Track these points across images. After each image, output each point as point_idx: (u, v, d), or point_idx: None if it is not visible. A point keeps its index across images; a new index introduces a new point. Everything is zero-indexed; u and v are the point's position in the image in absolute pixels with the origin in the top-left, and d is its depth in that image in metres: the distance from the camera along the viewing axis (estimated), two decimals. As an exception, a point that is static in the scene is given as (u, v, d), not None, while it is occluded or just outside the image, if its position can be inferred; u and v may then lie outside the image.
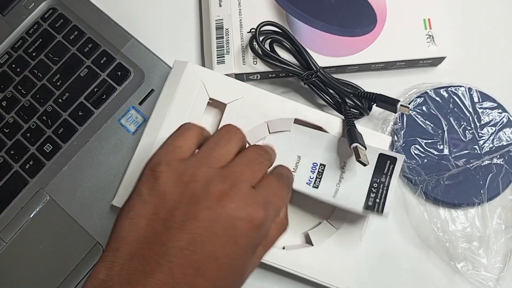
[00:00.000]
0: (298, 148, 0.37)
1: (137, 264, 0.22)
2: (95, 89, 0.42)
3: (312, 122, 0.38)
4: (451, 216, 0.39)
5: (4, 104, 0.43)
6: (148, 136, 0.37)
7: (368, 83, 0.41)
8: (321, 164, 0.36)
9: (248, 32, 0.42)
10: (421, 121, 0.41)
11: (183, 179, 0.24)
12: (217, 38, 0.42)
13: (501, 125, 0.40)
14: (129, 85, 0.42)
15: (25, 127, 0.42)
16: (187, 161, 0.26)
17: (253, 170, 0.26)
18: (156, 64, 0.43)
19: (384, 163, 0.34)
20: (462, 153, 0.40)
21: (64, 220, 0.40)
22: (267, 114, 0.38)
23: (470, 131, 0.40)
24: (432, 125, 0.41)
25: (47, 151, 0.41)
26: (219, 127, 0.29)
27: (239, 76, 0.42)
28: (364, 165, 0.33)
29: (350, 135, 0.35)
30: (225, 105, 0.38)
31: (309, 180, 0.35)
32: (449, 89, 0.41)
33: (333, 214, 0.38)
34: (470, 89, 0.41)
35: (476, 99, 0.41)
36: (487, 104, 0.41)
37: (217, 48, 0.42)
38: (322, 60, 0.41)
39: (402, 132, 0.40)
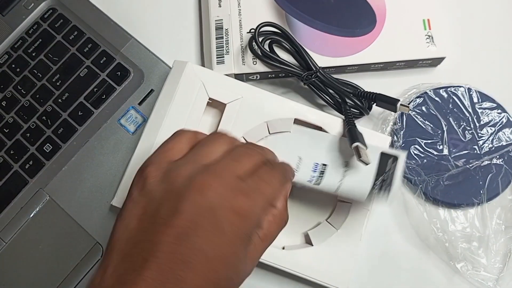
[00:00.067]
0: (299, 149, 0.37)
1: (128, 264, 0.22)
2: (95, 89, 0.42)
3: (312, 122, 0.38)
4: (450, 216, 0.39)
5: (4, 104, 0.43)
6: (147, 136, 0.37)
7: (368, 83, 0.41)
8: (323, 164, 0.36)
9: (247, 33, 0.42)
10: (420, 121, 0.41)
11: (169, 177, 0.25)
12: (216, 38, 0.42)
13: (501, 125, 0.40)
14: (128, 85, 0.42)
15: (25, 127, 0.42)
16: (175, 161, 0.26)
17: (240, 162, 0.26)
18: (156, 64, 0.43)
19: (386, 161, 0.34)
20: (461, 153, 0.40)
21: (63, 220, 0.40)
22: (267, 114, 0.38)
23: (470, 131, 0.40)
24: (431, 125, 0.41)
25: (47, 151, 0.41)
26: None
27: (239, 76, 0.42)
28: (366, 164, 0.33)
29: (351, 134, 0.35)
30: (224, 105, 0.38)
31: (311, 179, 0.35)
32: (448, 89, 0.41)
33: (332, 214, 0.38)
34: (469, 89, 0.41)
35: (475, 99, 0.41)
36: (487, 104, 0.41)
37: (216, 48, 0.42)
38: (321, 60, 0.41)
39: (402, 132, 0.40)
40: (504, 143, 0.40)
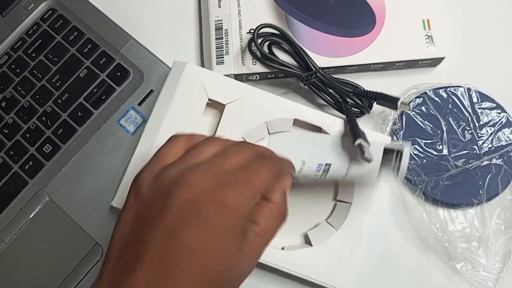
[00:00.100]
0: (302, 153, 0.37)
1: (122, 266, 0.23)
2: (95, 90, 0.42)
3: (311, 122, 0.38)
4: (450, 216, 0.39)
5: (3, 105, 0.43)
6: (147, 136, 0.37)
7: (367, 83, 0.41)
8: (326, 164, 0.36)
9: (247, 33, 0.42)
10: (420, 121, 0.41)
11: (159, 178, 0.25)
12: (216, 38, 0.42)
13: (500, 125, 0.40)
14: (128, 86, 0.43)
15: (25, 128, 0.42)
16: (168, 165, 0.26)
17: (229, 157, 0.26)
18: (156, 65, 0.43)
19: (391, 156, 0.35)
20: (461, 153, 0.40)
21: (63, 221, 0.40)
22: (266, 115, 0.38)
23: (469, 132, 0.40)
24: (431, 126, 0.41)
25: (47, 151, 0.41)
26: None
27: (238, 77, 0.42)
28: (369, 161, 0.34)
29: (353, 132, 0.35)
30: (224, 105, 0.38)
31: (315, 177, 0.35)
32: (448, 89, 0.41)
33: (332, 215, 0.38)
34: (469, 89, 0.41)
35: (475, 100, 0.41)
36: (486, 104, 0.41)
37: (216, 48, 0.42)
38: (321, 60, 0.41)
39: (402, 132, 0.40)
40: (503, 143, 0.40)
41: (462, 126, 0.41)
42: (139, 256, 0.22)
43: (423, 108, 0.41)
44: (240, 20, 0.42)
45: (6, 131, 0.42)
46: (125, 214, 0.25)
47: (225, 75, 0.40)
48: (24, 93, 0.43)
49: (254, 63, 0.41)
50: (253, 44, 0.40)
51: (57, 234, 0.40)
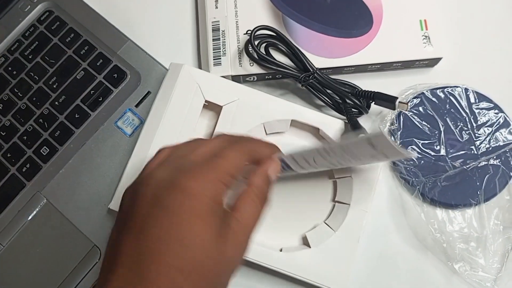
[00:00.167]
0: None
1: (106, 270, 0.23)
2: (92, 92, 0.42)
3: (309, 123, 0.38)
4: (448, 217, 0.39)
5: (0, 107, 0.43)
6: (144, 138, 0.37)
7: (365, 84, 0.41)
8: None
9: (244, 34, 0.42)
10: (417, 121, 0.41)
11: (134, 186, 0.26)
12: (213, 40, 0.42)
13: (498, 126, 0.40)
14: (125, 88, 0.42)
15: (22, 130, 0.42)
16: None
17: (195, 148, 0.26)
18: (153, 66, 0.43)
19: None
20: (459, 153, 0.40)
21: (61, 223, 0.40)
22: (264, 116, 0.38)
23: (467, 132, 0.40)
24: (428, 126, 0.41)
25: (44, 154, 0.41)
26: None
27: (236, 78, 0.42)
28: None
29: (356, 129, 0.36)
30: (221, 107, 0.38)
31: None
32: (445, 89, 0.41)
33: (330, 216, 0.38)
34: (466, 89, 0.41)
35: (472, 100, 0.41)
36: (484, 104, 0.41)
37: (213, 50, 0.42)
38: (318, 61, 0.41)
39: (399, 133, 0.40)
40: (501, 144, 0.40)
41: (460, 126, 0.40)
42: (117, 257, 0.22)
43: (420, 108, 0.41)
44: (237, 21, 0.42)
45: (3, 134, 0.42)
46: (112, 229, 0.26)
47: (222, 77, 0.40)
48: (21, 95, 0.43)
49: (252, 64, 0.41)
50: (250, 46, 0.40)
51: (55, 236, 0.39)
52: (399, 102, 0.37)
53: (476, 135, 0.40)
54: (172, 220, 0.23)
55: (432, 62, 0.43)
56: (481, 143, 0.40)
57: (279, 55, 0.41)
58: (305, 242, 0.37)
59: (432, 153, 0.40)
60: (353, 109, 0.40)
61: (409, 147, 0.40)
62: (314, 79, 0.39)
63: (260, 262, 0.35)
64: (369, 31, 0.42)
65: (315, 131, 0.39)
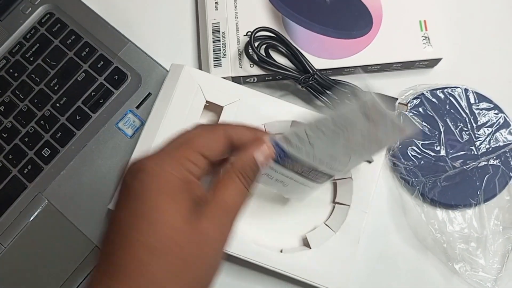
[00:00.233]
0: None
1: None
2: (93, 93, 0.42)
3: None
4: (448, 217, 0.39)
5: (2, 109, 0.43)
6: (145, 139, 0.37)
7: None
8: None
9: (244, 35, 0.42)
10: (417, 122, 0.41)
11: None
12: (213, 41, 0.42)
13: (498, 126, 0.40)
14: (126, 89, 0.43)
15: (23, 132, 0.42)
16: None
17: (173, 139, 0.25)
18: (153, 68, 0.43)
19: None
20: (458, 154, 0.40)
21: (62, 224, 0.40)
22: (264, 117, 0.38)
23: (467, 132, 0.40)
24: (428, 126, 0.41)
25: (45, 155, 0.41)
26: None
27: (236, 79, 0.42)
28: (369, 162, 0.34)
29: None
30: (222, 107, 0.38)
31: None
32: (445, 90, 0.41)
33: (330, 217, 0.38)
34: (466, 90, 0.41)
35: (472, 100, 0.41)
36: (484, 105, 0.41)
37: (213, 51, 0.42)
38: (318, 62, 0.41)
39: (399, 133, 0.40)
40: (501, 144, 0.40)
41: (460, 127, 0.41)
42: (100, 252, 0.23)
43: (420, 109, 0.41)
44: (237, 23, 0.42)
45: (4, 135, 0.42)
46: None
47: (223, 78, 0.40)
48: (22, 97, 0.43)
49: (252, 65, 0.41)
50: (249, 47, 0.40)
51: (56, 237, 0.40)
52: (399, 103, 0.37)
53: (476, 135, 0.40)
54: (138, 201, 0.22)
55: (432, 63, 0.43)
56: (481, 144, 0.40)
57: (279, 56, 0.41)
58: (306, 243, 0.37)
59: (432, 154, 0.40)
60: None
61: (409, 147, 0.40)
62: (314, 81, 0.39)
63: (260, 263, 0.35)
64: (368, 32, 0.42)
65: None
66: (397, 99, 0.37)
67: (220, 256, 0.24)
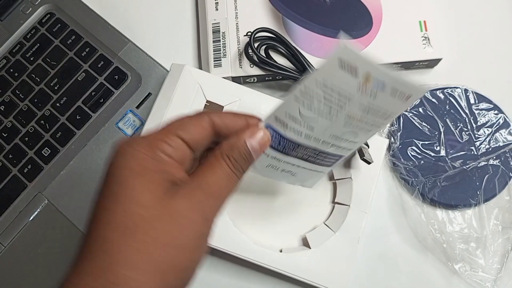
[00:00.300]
0: None
1: None
2: (93, 93, 0.43)
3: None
4: (448, 217, 0.39)
5: (2, 109, 0.43)
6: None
7: (365, 85, 0.41)
8: None
9: (244, 36, 0.42)
10: (417, 122, 0.41)
11: None
12: (213, 41, 0.42)
13: (498, 126, 0.40)
14: (126, 89, 0.43)
15: (23, 131, 0.42)
16: None
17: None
18: (153, 68, 0.43)
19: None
20: (458, 154, 0.40)
21: (62, 224, 0.40)
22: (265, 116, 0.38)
23: (467, 132, 0.40)
24: (428, 127, 0.41)
25: (45, 155, 0.41)
26: None
27: (236, 79, 0.42)
28: (369, 163, 0.34)
29: None
30: (222, 107, 0.38)
31: None
32: (445, 90, 0.42)
33: (330, 217, 0.38)
34: (466, 90, 0.41)
35: (472, 101, 0.41)
36: (484, 105, 0.41)
37: (214, 51, 0.42)
38: (318, 62, 0.41)
39: (399, 133, 0.40)
40: (501, 144, 0.40)
41: (460, 127, 0.41)
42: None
43: (420, 109, 0.41)
44: (237, 23, 0.42)
45: (5, 135, 0.42)
46: None
47: (223, 78, 0.40)
48: (22, 96, 0.43)
49: (252, 65, 0.41)
50: (249, 48, 0.40)
51: (56, 237, 0.40)
52: None
53: (476, 135, 0.40)
54: (111, 182, 0.22)
55: (431, 63, 0.43)
56: (481, 144, 0.40)
57: (279, 56, 0.41)
58: (305, 243, 0.37)
59: (432, 154, 0.40)
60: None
61: (409, 147, 0.40)
62: (314, 80, 0.39)
63: (260, 263, 0.35)
64: (368, 32, 0.42)
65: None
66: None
67: (202, 240, 0.22)
